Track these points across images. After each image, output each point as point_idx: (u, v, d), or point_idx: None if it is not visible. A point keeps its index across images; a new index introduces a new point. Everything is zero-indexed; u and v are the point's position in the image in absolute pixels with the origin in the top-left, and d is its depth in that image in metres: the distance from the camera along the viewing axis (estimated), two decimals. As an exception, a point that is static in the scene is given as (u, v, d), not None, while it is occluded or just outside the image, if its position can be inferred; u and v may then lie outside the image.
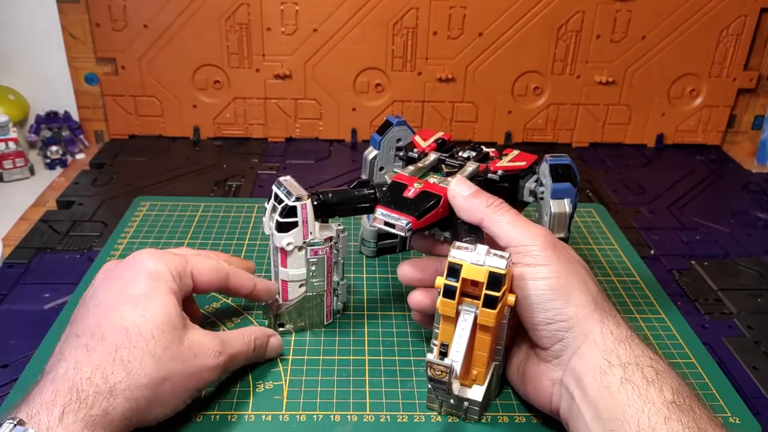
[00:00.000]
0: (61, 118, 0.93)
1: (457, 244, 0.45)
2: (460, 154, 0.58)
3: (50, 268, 0.66)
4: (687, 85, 0.96)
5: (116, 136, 0.97)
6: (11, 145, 0.86)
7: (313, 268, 0.54)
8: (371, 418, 0.49)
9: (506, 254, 0.44)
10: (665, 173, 0.92)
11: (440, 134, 0.60)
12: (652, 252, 0.73)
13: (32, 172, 0.89)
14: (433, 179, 0.53)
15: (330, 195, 0.54)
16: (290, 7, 0.89)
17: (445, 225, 0.52)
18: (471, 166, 0.55)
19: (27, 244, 0.70)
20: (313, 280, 0.55)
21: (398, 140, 0.63)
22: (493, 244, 0.47)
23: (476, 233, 0.48)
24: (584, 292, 0.44)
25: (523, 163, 0.56)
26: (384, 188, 0.53)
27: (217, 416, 0.49)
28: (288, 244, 0.53)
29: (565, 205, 0.54)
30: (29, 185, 0.86)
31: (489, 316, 0.44)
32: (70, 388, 0.39)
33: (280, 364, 0.54)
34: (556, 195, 0.54)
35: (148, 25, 0.89)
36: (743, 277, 0.69)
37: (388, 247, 0.69)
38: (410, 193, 0.51)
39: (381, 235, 0.68)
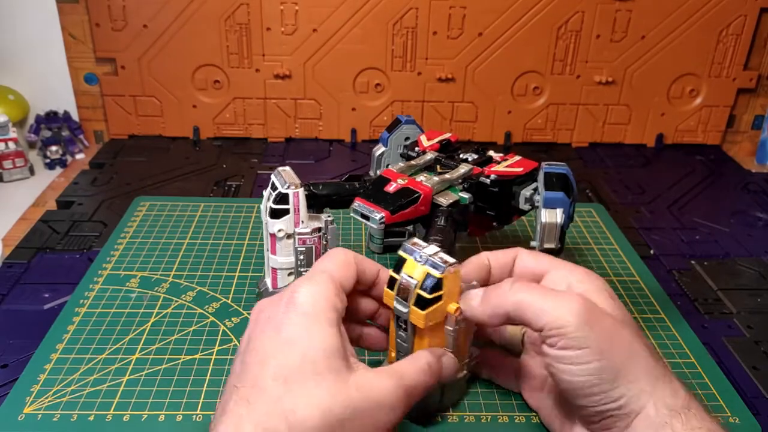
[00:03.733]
0: (61, 118, 0.93)
1: (413, 240, 0.45)
2: (461, 155, 0.57)
3: (50, 268, 0.66)
4: (687, 85, 0.96)
5: (116, 136, 0.97)
6: (11, 145, 0.86)
7: (302, 257, 0.55)
8: (371, 418, 0.49)
9: (451, 260, 0.43)
10: (665, 173, 0.92)
11: (447, 135, 0.60)
12: (652, 252, 0.72)
13: (32, 172, 0.89)
14: (421, 177, 0.53)
15: (320, 186, 0.55)
16: (290, 7, 0.89)
17: (426, 222, 0.52)
18: (464, 168, 0.55)
19: (27, 244, 0.70)
20: (302, 269, 0.56)
21: (406, 138, 0.63)
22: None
23: (445, 234, 0.48)
24: (633, 366, 0.40)
25: (520, 170, 0.55)
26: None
27: (217, 416, 0.48)
28: (279, 230, 0.54)
29: (557, 215, 0.53)
30: (29, 185, 0.86)
31: (417, 315, 0.43)
32: None
33: (280, 364, 0.54)
34: (548, 204, 0.53)
35: (147, 25, 0.89)
36: (743, 277, 0.69)
37: (395, 244, 0.69)
38: (391, 188, 0.51)
39: (388, 232, 0.68)
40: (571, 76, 0.94)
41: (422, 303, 0.43)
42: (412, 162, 0.56)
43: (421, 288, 0.43)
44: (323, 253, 0.55)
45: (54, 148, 0.91)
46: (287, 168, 0.56)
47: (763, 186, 0.89)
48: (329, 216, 0.56)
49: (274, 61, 0.92)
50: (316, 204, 0.55)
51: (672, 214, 0.81)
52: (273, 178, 0.55)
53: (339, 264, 0.44)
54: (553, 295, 0.42)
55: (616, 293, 0.63)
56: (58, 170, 0.91)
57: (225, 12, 0.89)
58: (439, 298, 0.43)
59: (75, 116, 0.96)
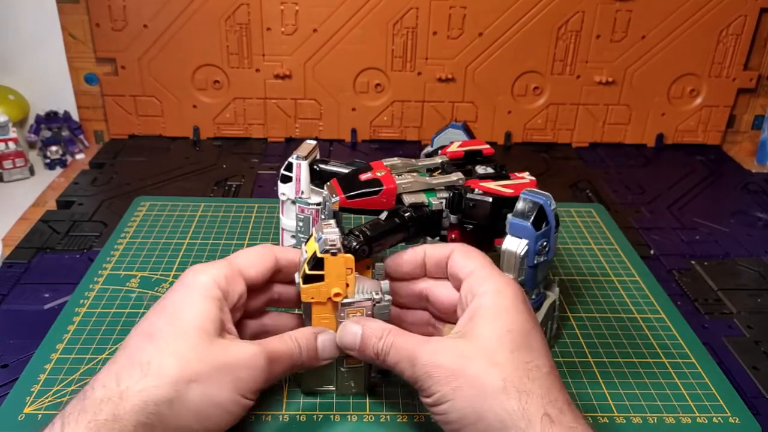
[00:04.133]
0: (61, 118, 0.93)
1: (327, 221, 0.48)
2: (476, 168, 0.56)
3: (50, 268, 0.66)
4: (687, 85, 0.96)
5: (116, 136, 0.97)
6: (11, 145, 0.86)
7: (300, 223, 0.60)
8: (371, 418, 0.49)
9: (338, 246, 0.45)
10: (665, 173, 0.92)
11: (481, 147, 0.59)
12: (652, 252, 0.73)
13: (32, 172, 0.89)
14: (405, 175, 0.53)
15: (325, 165, 0.60)
16: (290, 7, 0.89)
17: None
18: (454, 176, 0.54)
19: (27, 244, 0.70)
20: (301, 235, 0.61)
21: (452, 142, 0.63)
22: None
23: (375, 228, 0.48)
24: (487, 408, 0.39)
25: (510, 191, 0.52)
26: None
27: (217, 416, 0.48)
28: (282, 194, 0.61)
29: (518, 245, 0.49)
30: (29, 185, 0.87)
31: (301, 288, 0.46)
32: (80, 398, 0.38)
33: (280, 364, 0.54)
34: (511, 231, 0.50)
35: (148, 25, 0.89)
36: (743, 277, 0.69)
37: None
38: (365, 176, 0.52)
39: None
40: (571, 76, 0.94)
41: (305, 278, 0.45)
42: (412, 160, 0.56)
43: (309, 263, 0.45)
44: None
45: (54, 148, 0.91)
46: (313, 141, 0.62)
47: (763, 186, 0.89)
48: None
49: (275, 61, 0.92)
50: (322, 180, 0.58)
51: (672, 214, 0.81)
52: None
53: (249, 255, 0.47)
54: (405, 350, 0.43)
55: (616, 293, 0.64)
56: (58, 170, 0.91)
57: (225, 12, 0.89)
58: (320, 278, 0.45)
59: (75, 116, 0.96)
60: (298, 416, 0.49)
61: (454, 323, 0.48)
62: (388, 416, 0.49)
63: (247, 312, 0.49)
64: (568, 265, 0.68)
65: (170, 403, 0.38)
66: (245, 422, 0.48)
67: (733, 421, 0.50)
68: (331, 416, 0.49)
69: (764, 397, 0.53)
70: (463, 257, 0.46)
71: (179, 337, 0.40)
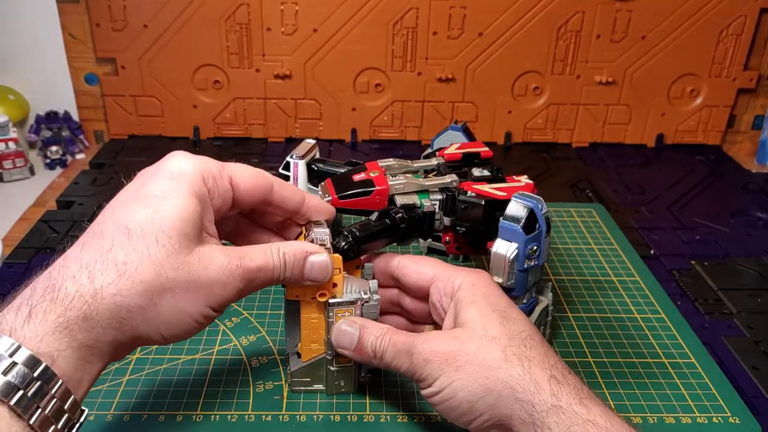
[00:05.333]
0: (61, 118, 0.93)
1: (320, 220, 0.48)
2: (472, 170, 0.56)
3: (50, 268, 0.66)
4: (687, 85, 0.96)
5: (116, 136, 0.97)
6: (11, 145, 0.86)
7: None
8: (371, 418, 0.49)
9: (328, 245, 0.45)
10: (665, 173, 0.92)
11: (479, 149, 0.59)
12: (652, 252, 0.73)
13: (32, 172, 0.89)
14: (400, 176, 0.53)
15: (325, 165, 0.60)
16: (290, 7, 0.89)
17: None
18: (448, 178, 0.54)
19: (27, 244, 0.70)
20: None
21: (451, 144, 0.63)
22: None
23: (363, 228, 0.49)
24: (493, 397, 0.40)
25: (503, 194, 0.52)
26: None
27: (217, 416, 0.49)
28: None
29: (507, 248, 0.49)
30: (29, 185, 0.87)
31: (287, 286, 0.46)
32: (48, 287, 0.36)
33: (279, 365, 0.54)
34: (501, 234, 0.49)
35: (148, 25, 0.89)
36: (743, 277, 0.69)
37: (438, 248, 0.69)
38: (358, 177, 0.52)
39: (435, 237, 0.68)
40: (571, 76, 0.94)
41: None
42: (407, 161, 0.56)
43: None
44: None
45: (54, 148, 0.91)
46: (312, 141, 0.63)
47: (763, 186, 0.89)
48: (328, 196, 0.57)
49: (275, 61, 0.92)
50: (320, 180, 0.58)
51: (672, 214, 0.81)
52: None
53: (247, 170, 0.44)
54: (402, 344, 0.44)
55: (616, 293, 0.64)
56: (59, 170, 0.91)
57: (225, 12, 0.89)
58: None
59: (75, 116, 0.96)
60: (298, 416, 0.49)
61: (431, 324, 0.50)
62: (388, 416, 0.49)
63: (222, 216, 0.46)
64: (568, 266, 0.68)
65: (143, 310, 0.37)
66: (245, 421, 0.48)
67: (733, 421, 0.50)
68: (331, 416, 0.49)
69: (764, 397, 0.53)
70: (416, 263, 0.48)
71: (159, 239, 0.37)
